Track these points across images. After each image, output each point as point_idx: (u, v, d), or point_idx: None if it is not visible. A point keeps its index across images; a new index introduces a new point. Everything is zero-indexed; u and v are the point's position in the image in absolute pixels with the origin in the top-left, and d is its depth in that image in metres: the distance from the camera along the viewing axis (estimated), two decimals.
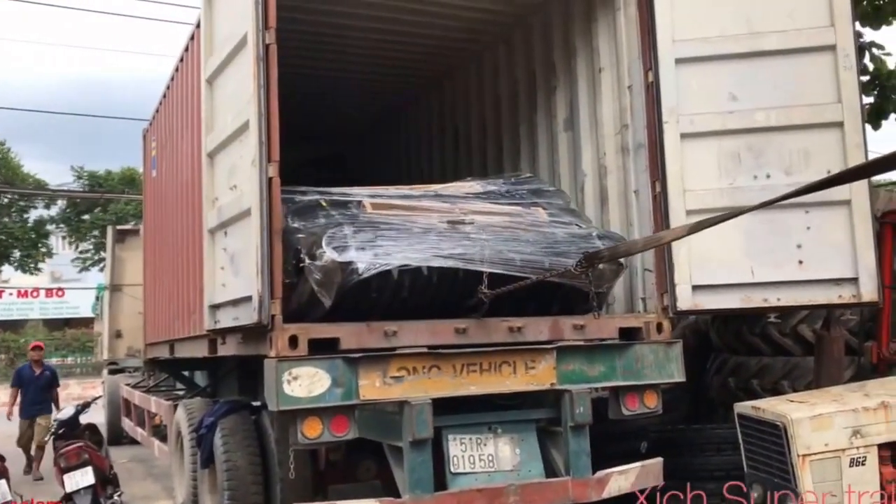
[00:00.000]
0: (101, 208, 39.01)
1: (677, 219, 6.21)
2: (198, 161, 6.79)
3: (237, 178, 5.88)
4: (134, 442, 12.98)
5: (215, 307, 6.31)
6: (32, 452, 12.48)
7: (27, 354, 13.18)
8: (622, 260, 6.25)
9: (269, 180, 5.42)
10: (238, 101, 5.77)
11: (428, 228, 5.93)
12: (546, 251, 6.02)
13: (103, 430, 11.12)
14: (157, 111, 9.64)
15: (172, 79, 8.57)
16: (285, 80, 5.69)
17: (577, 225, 6.51)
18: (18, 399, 12.75)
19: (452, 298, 5.83)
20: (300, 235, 5.73)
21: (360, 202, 6.14)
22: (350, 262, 5.44)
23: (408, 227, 5.90)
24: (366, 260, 5.48)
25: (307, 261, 5.53)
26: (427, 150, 11.02)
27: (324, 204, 6.03)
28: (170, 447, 8.81)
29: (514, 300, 5.82)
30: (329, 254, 5.45)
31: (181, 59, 8.05)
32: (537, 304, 6.13)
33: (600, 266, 5.77)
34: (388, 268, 5.53)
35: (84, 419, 9.55)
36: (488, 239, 5.92)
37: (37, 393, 12.50)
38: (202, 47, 6.60)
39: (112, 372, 15.84)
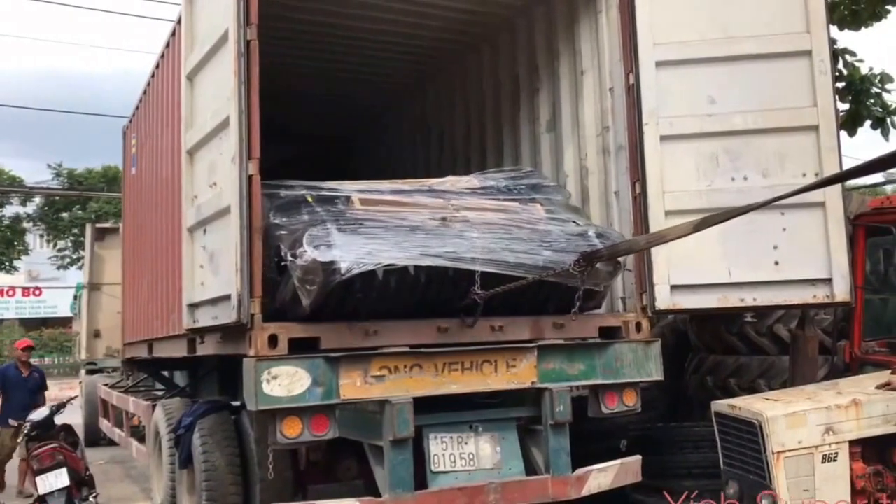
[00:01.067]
0: (80, 206, 38.73)
1: (656, 220, 6.28)
2: (177, 158, 6.74)
3: (217, 175, 5.85)
4: (112, 443, 12.88)
5: (194, 306, 6.27)
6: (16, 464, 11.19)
7: (13, 354, 12.01)
8: (620, 259, 6.13)
9: (249, 178, 5.39)
10: (218, 97, 5.74)
11: (417, 226, 5.69)
12: (541, 249, 5.81)
13: (80, 431, 11.06)
14: (138, 108, 9.58)
15: (153, 75, 8.52)
16: (267, 79, 5.68)
17: (574, 222, 6.33)
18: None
19: (443, 299, 5.67)
20: (282, 232, 5.57)
21: (348, 198, 5.95)
22: (332, 262, 5.20)
23: (395, 224, 5.67)
24: (349, 259, 5.22)
25: (289, 259, 5.37)
26: (411, 151, 11.03)
27: (310, 199, 5.85)
28: (148, 448, 8.74)
29: (507, 299, 5.71)
30: (310, 253, 5.25)
31: (162, 56, 8.00)
32: (532, 303, 6.03)
33: (597, 266, 5.64)
34: (371, 268, 5.27)
35: (61, 420, 9.48)
36: (480, 237, 5.70)
37: (25, 397, 11.04)
38: (183, 43, 6.57)
39: (90, 372, 15.72)
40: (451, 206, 6.06)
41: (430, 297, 5.64)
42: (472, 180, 6.83)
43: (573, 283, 5.65)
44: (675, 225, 4.68)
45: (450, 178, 7.01)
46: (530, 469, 5.89)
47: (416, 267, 5.43)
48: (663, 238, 4.95)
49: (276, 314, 5.53)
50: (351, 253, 5.29)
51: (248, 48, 5.46)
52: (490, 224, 5.93)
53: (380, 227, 5.60)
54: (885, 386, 5.74)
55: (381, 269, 5.32)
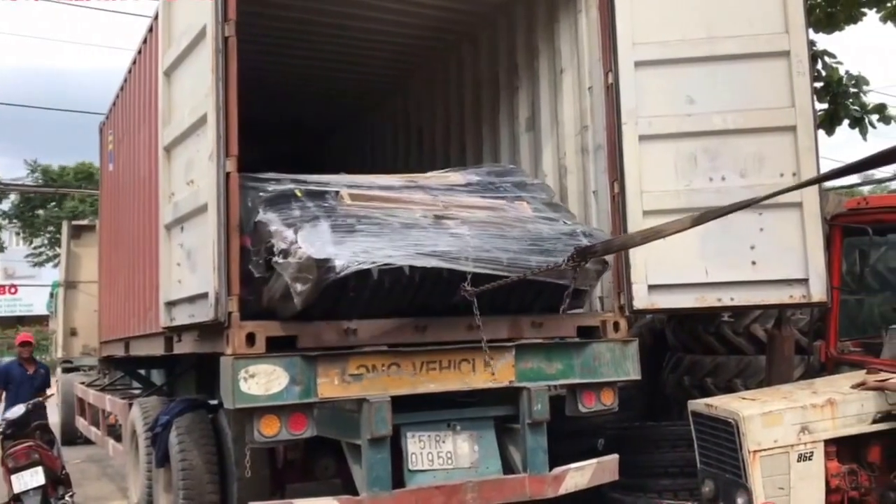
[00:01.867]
0: (56, 203, 38.42)
1: (635, 219, 6.30)
2: (154, 155, 6.70)
3: (194, 172, 5.82)
4: (89, 442, 12.77)
5: (171, 304, 6.23)
6: None
7: (18, 352, 10.61)
8: (607, 258, 6.05)
9: (227, 175, 5.36)
10: (196, 94, 5.71)
11: (410, 224, 5.62)
12: (532, 249, 5.74)
13: (56, 430, 10.95)
14: (115, 104, 9.50)
15: (130, 71, 8.46)
16: (247, 77, 5.64)
17: (563, 221, 6.28)
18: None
19: (434, 298, 5.62)
20: (273, 228, 5.46)
21: (337, 192, 5.84)
22: (327, 259, 5.10)
23: (389, 221, 5.58)
24: (344, 257, 5.12)
25: (281, 257, 5.27)
26: (392, 150, 11.01)
27: (298, 194, 5.74)
28: (125, 446, 8.71)
29: (495, 299, 5.65)
30: (304, 249, 5.14)
31: (139, 52, 7.94)
32: (520, 302, 6.00)
33: (586, 265, 5.49)
34: (367, 266, 5.17)
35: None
36: (474, 236, 5.64)
37: (31, 396, 9.96)
38: (160, 39, 6.53)
39: (66, 370, 15.60)
40: (440, 204, 6.00)
41: (422, 297, 5.60)
42: (457, 176, 6.77)
43: (562, 281, 5.58)
44: (672, 220, 4.58)
45: (434, 173, 6.96)
46: (508, 468, 5.89)
47: (411, 266, 5.33)
48: (660, 233, 4.75)
49: (264, 313, 5.48)
50: (346, 250, 5.20)
51: (226, 45, 5.43)
52: (482, 223, 5.88)
53: (374, 224, 5.52)
54: (861, 385, 5.79)
55: (376, 268, 5.22)
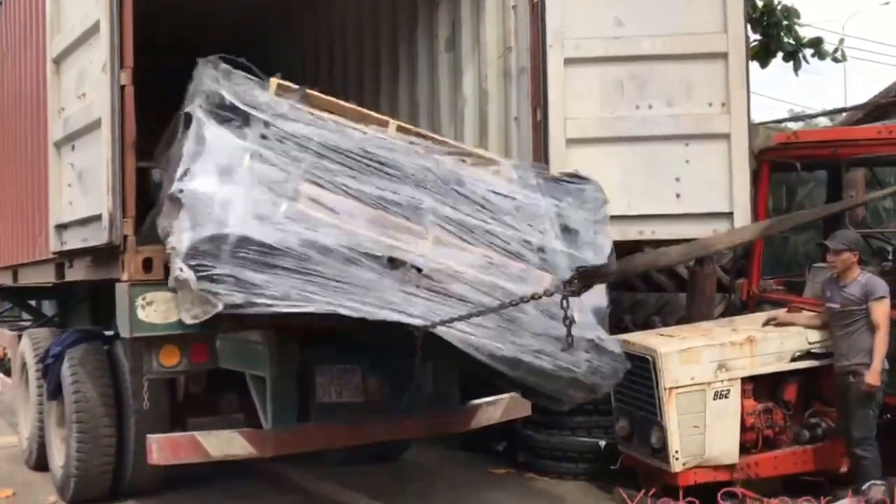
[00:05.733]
0: None
1: (557, 148, 6.08)
2: (42, 67, 6.28)
3: (86, 85, 5.48)
4: None
5: (62, 227, 5.91)
6: None
7: None
8: None
9: (122, 88, 5.03)
10: None
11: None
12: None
13: None
14: None
15: None
16: None
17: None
18: None
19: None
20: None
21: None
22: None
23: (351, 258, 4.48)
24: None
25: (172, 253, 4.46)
26: (300, 71, 10.47)
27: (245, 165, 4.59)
28: (14, 380, 8.50)
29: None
30: (185, 274, 4.27)
31: None
32: None
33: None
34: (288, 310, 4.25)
35: None
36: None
37: None
38: None
39: None
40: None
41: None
42: (505, 169, 5.33)
43: None
44: (730, 231, 4.20)
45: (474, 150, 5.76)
46: (419, 402, 5.69)
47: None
48: (709, 248, 4.21)
49: None
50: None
51: None
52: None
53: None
54: (771, 321, 5.77)
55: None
